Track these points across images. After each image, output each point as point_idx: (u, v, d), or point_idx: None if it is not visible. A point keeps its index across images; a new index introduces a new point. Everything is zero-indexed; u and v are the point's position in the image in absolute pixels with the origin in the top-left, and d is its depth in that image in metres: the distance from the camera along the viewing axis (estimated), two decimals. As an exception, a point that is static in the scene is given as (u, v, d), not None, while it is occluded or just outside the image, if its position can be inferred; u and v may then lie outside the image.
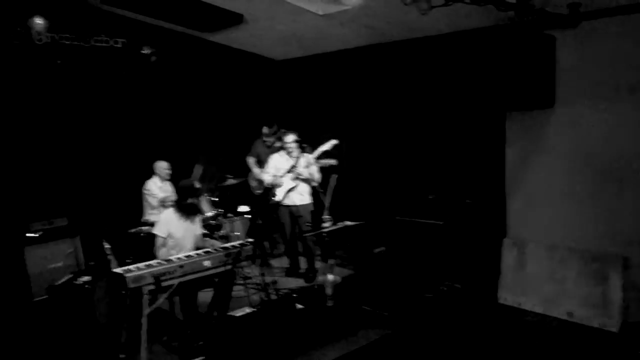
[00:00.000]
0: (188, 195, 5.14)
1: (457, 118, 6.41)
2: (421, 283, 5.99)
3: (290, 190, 6.43)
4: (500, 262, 5.93)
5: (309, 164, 6.33)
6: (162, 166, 6.54)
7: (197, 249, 5.20)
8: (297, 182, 6.42)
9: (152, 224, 5.53)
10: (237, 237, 6.84)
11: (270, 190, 6.57)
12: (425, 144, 6.87)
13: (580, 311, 5.35)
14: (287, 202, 6.47)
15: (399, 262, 6.38)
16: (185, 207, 5.14)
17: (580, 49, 5.25)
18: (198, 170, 7.13)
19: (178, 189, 5.42)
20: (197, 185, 5.21)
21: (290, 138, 6.40)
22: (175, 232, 5.11)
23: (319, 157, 6.52)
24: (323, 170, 6.53)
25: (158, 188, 6.49)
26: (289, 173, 6.41)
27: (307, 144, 6.47)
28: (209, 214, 6.66)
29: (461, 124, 6.39)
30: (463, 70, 5.83)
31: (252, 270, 6.22)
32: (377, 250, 6.75)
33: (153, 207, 6.42)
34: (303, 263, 6.73)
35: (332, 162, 6.57)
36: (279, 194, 6.45)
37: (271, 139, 7.41)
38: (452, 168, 6.51)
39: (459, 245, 5.95)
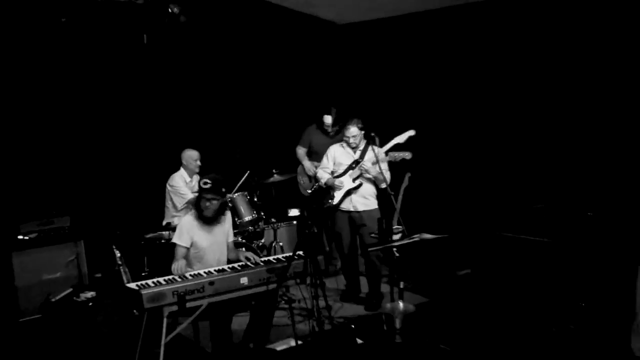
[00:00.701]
0: (203, 192, 5.09)
1: (575, 99, 6.28)
2: (519, 320, 5.76)
3: (351, 191, 6.36)
4: (635, 297, 5.53)
5: (377, 160, 6.12)
6: (191, 156, 6.58)
7: (229, 262, 5.26)
8: (361, 181, 6.34)
9: (174, 229, 5.57)
10: (281, 248, 6.94)
11: (325, 190, 6.52)
12: (530, 135, 6.74)
13: None
14: (347, 206, 6.42)
15: (490, 290, 6.29)
16: (199, 208, 5.13)
17: None
18: (244, 178, 7.20)
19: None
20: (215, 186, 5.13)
21: (353, 126, 6.30)
22: (199, 240, 5.12)
23: (390, 151, 6.37)
24: (394, 166, 6.40)
25: (186, 184, 6.55)
26: (351, 170, 6.35)
27: (375, 133, 6.32)
28: (247, 218, 6.68)
29: (581, 106, 6.25)
30: (589, 35, 5.86)
31: (299, 292, 6.08)
32: (461, 272, 6.70)
33: (178, 208, 6.47)
34: (364, 285, 6.67)
35: (406, 155, 6.41)
36: (337, 196, 6.40)
37: (329, 127, 7.35)
38: (568, 168, 6.38)
39: (575, 272, 5.70)
